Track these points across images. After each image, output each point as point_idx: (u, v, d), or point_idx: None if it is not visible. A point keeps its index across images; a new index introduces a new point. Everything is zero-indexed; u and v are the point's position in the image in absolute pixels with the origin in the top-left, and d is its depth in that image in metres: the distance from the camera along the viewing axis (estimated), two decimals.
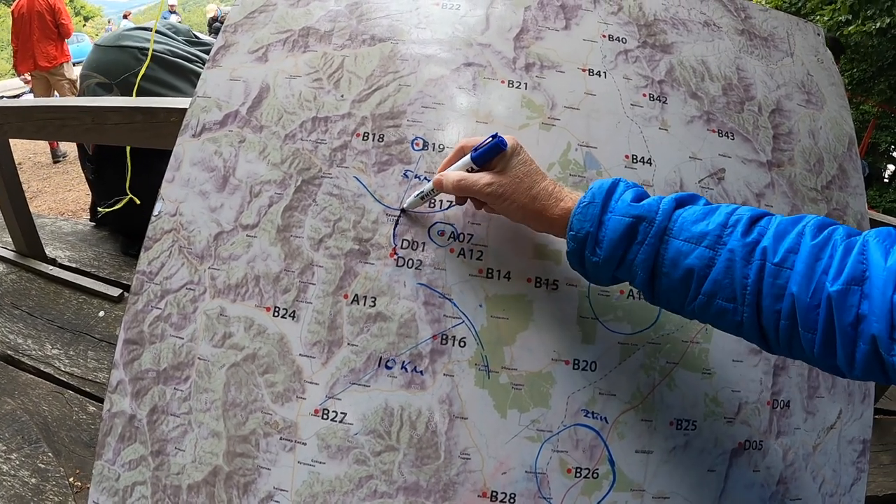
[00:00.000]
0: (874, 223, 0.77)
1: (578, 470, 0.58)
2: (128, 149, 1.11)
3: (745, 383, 0.63)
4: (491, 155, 0.53)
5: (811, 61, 0.77)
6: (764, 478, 0.64)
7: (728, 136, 0.68)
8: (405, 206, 0.61)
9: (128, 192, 1.05)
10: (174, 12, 8.97)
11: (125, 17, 10.28)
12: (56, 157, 4.73)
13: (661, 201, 0.47)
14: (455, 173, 0.55)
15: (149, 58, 1.07)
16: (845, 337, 0.38)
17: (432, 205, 0.61)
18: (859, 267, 0.38)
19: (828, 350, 0.39)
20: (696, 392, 0.62)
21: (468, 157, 0.55)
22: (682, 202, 0.48)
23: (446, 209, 0.61)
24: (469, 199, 0.58)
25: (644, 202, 0.48)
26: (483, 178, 0.53)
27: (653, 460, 0.60)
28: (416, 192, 0.60)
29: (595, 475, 0.58)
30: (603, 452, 0.59)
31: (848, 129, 0.76)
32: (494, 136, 0.53)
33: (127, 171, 0.97)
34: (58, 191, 4.07)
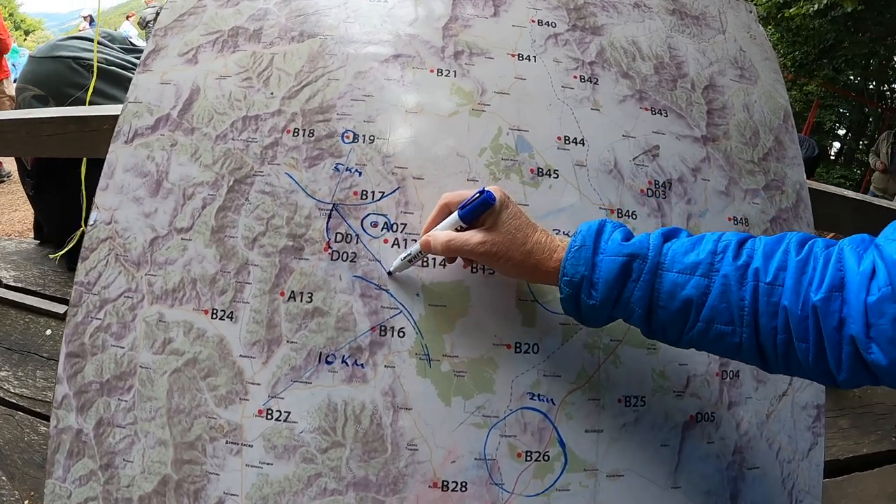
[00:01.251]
0: (815, 193, 0.78)
1: (528, 453, 0.58)
2: (83, 164, 1.09)
3: (692, 356, 0.63)
4: (480, 211, 0.51)
5: (743, 38, 0.78)
6: (719, 449, 0.64)
7: (661, 114, 0.68)
8: (392, 269, 0.58)
9: (82, 224, 1.03)
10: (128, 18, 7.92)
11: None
12: (0, 177, 4.52)
13: (650, 237, 0.49)
14: (443, 234, 0.53)
15: (94, 77, 1.06)
16: (832, 342, 0.40)
17: (424, 263, 0.59)
18: (837, 274, 0.41)
19: (820, 357, 0.42)
20: (643, 368, 0.62)
21: (455, 215, 0.52)
22: (668, 236, 0.49)
23: (378, 200, 0.60)
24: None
25: (634, 240, 0.49)
26: (474, 237, 0.51)
27: (604, 439, 0.60)
28: (403, 255, 0.57)
29: (546, 458, 0.58)
30: (552, 434, 0.59)
31: (783, 101, 0.76)
32: (482, 192, 0.51)
33: (67, 186, 0.95)
34: (3, 212, 3.92)
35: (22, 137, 0.74)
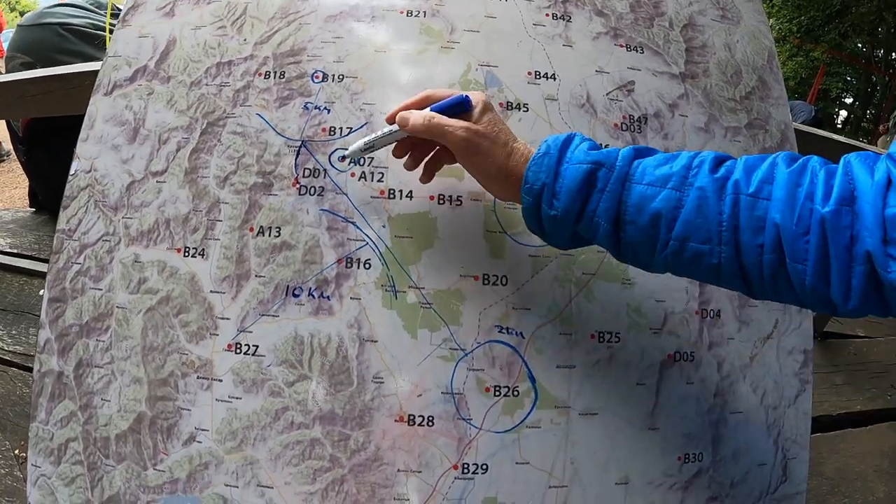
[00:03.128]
0: (803, 135, 0.76)
1: (497, 388, 0.57)
2: None
3: (670, 293, 0.62)
4: (454, 111, 0.49)
5: None
6: (699, 391, 0.62)
7: (637, 51, 0.67)
8: (347, 153, 0.56)
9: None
10: None
11: None
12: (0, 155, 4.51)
13: (620, 150, 0.45)
14: (425, 112, 0.50)
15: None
16: (840, 262, 0.36)
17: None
18: (847, 187, 0.36)
19: (821, 280, 0.37)
20: (618, 303, 0.60)
21: (427, 110, 0.50)
22: (641, 151, 0.46)
23: (346, 135, 0.61)
24: (422, 167, 0.54)
25: (601, 150, 0.46)
26: (459, 122, 0.48)
27: (576, 375, 0.58)
28: (369, 138, 0.54)
29: (515, 393, 0.57)
30: (522, 369, 0.58)
31: (767, 43, 0.74)
32: (464, 97, 0.49)
33: (55, 150, 0.98)
34: (2, 189, 3.93)
35: (8, 101, 0.76)
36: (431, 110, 0.50)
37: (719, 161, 0.42)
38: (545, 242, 0.51)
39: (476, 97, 0.50)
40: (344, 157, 0.58)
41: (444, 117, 0.49)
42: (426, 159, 0.56)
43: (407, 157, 0.56)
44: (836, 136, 0.87)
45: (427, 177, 0.56)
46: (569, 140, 0.47)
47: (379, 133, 0.54)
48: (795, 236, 0.37)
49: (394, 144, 0.55)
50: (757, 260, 0.39)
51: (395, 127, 0.53)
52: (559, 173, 0.45)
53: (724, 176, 0.41)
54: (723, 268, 0.41)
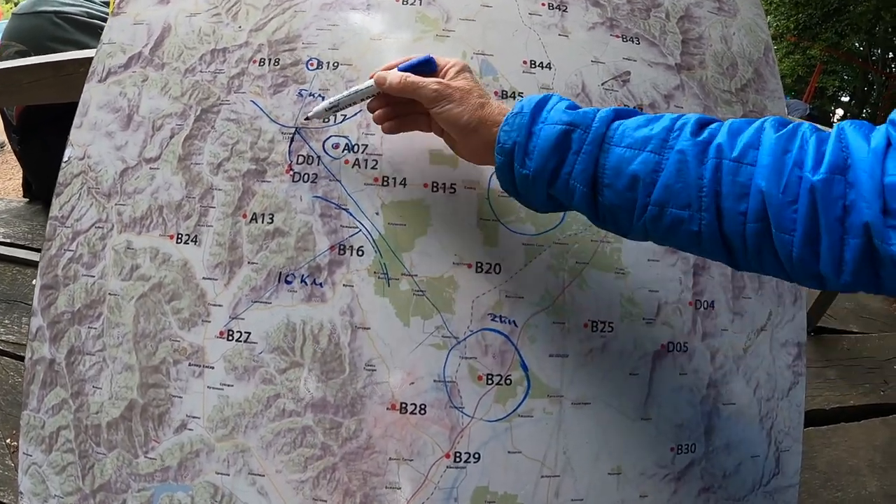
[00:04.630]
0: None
1: (490, 376, 0.57)
2: None
3: (664, 283, 0.62)
4: (422, 70, 0.51)
5: None
6: (692, 381, 0.62)
7: (633, 41, 0.67)
8: (310, 114, 0.57)
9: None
10: None
11: None
12: None
13: (599, 110, 0.44)
14: (400, 72, 0.51)
15: None
16: (832, 234, 0.34)
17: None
18: (840, 155, 0.34)
19: (809, 251, 0.35)
20: (611, 292, 0.60)
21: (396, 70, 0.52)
22: (622, 113, 0.44)
23: (340, 122, 0.60)
24: (392, 124, 0.55)
25: (579, 110, 0.44)
26: (433, 78, 0.50)
27: (569, 364, 0.58)
28: (335, 97, 0.56)
29: (508, 381, 0.57)
30: (514, 357, 0.57)
31: (764, 36, 0.74)
32: (428, 57, 0.52)
33: (49, 139, 0.97)
34: None
35: (2, 88, 0.76)
36: (400, 69, 0.52)
37: (703, 123, 0.40)
38: (521, 203, 0.49)
39: (451, 60, 0.52)
40: (308, 118, 0.58)
41: (418, 77, 0.50)
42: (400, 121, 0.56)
43: (384, 119, 0.56)
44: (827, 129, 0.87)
45: (394, 129, 0.55)
46: (544, 100, 0.46)
47: (345, 93, 0.55)
48: (782, 205, 0.35)
49: (360, 104, 0.57)
50: (740, 229, 0.37)
51: (360, 86, 0.55)
52: (532, 133, 0.44)
53: (707, 140, 0.39)
54: (703, 235, 0.39)
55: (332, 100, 0.56)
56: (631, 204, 0.41)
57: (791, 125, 0.38)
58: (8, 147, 4.28)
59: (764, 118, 0.40)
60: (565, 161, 0.43)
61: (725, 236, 0.39)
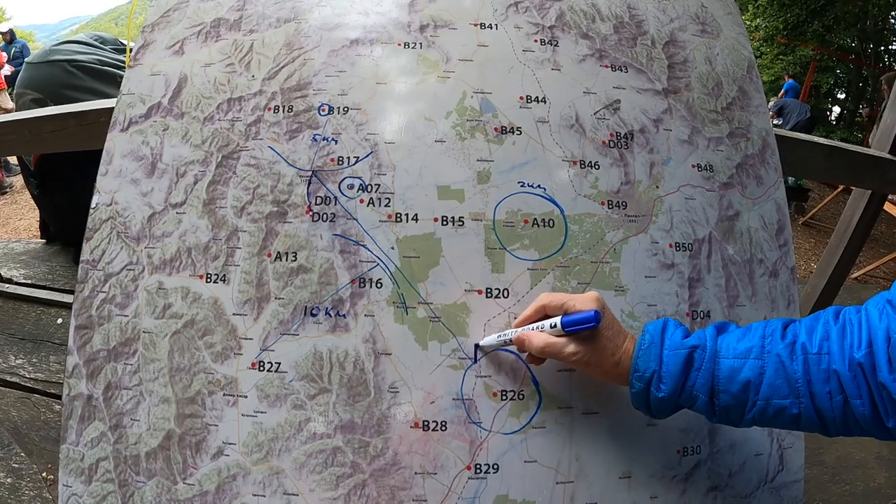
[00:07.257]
0: (785, 140, 0.80)
1: (504, 393, 0.61)
2: None
3: (661, 297, 0.66)
4: (585, 330, 0.54)
5: None
6: None
7: (622, 70, 0.72)
8: (482, 344, 0.61)
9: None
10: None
11: None
12: (2, 188, 4.59)
13: (705, 331, 0.54)
14: (540, 337, 0.56)
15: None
16: (877, 392, 0.46)
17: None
18: (867, 333, 0.47)
19: (873, 410, 0.47)
20: (613, 309, 0.64)
21: (557, 320, 0.55)
22: (720, 329, 0.55)
23: (353, 164, 0.65)
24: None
25: (693, 335, 0.54)
26: (569, 346, 0.55)
27: (576, 378, 0.63)
28: (497, 337, 0.60)
29: (521, 396, 0.61)
30: (525, 374, 0.62)
31: (746, 53, 0.79)
32: (594, 316, 0.53)
33: (69, 183, 1.01)
34: (8, 221, 4.03)
35: (25, 137, 0.80)
36: (563, 324, 0.55)
37: (786, 326, 0.52)
38: (648, 416, 0.57)
39: (596, 306, 0.55)
40: (479, 346, 0.62)
41: (557, 343, 0.55)
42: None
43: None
44: (816, 139, 0.91)
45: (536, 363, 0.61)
46: (665, 327, 0.55)
47: (507, 337, 0.60)
48: (850, 379, 0.47)
49: None
50: (828, 404, 0.48)
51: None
52: (663, 359, 0.53)
53: (792, 340, 0.51)
54: (802, 415, 0.50)
55: (501, 338, 0.60)
56: (743, 403, 0.51)
57: (841, 315, 0.50)
58: (16, 188, 4.35)
59: (824, 314, 0.52)
60: (689, 377, 0.53)
61: (819, 411, 0.49)
